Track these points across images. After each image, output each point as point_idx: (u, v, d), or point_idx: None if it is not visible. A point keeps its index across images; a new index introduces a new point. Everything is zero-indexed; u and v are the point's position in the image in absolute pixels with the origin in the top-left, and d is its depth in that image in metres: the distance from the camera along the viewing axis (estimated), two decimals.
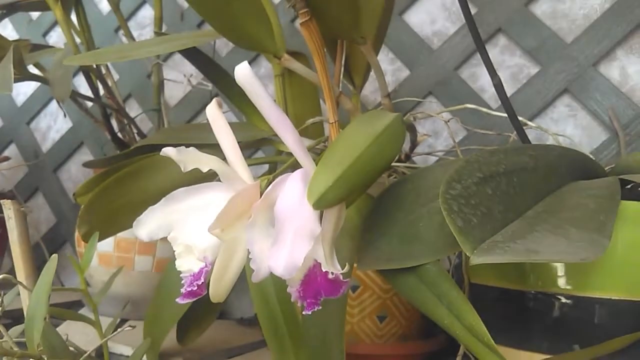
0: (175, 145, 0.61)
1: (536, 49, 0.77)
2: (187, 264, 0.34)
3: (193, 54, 0.58)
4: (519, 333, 0.46)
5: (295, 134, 0.35)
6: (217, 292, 0.36)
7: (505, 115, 0.58)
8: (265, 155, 0.87)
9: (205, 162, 0.34)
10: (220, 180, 0.38)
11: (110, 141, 0.78)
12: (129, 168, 0.55)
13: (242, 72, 0.34)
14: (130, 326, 0.42)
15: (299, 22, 0.54)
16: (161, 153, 0.34)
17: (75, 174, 1.08)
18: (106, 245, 0.72)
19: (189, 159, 0.34)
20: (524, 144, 0.51)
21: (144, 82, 1.00)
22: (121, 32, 1.04)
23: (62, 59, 0.61)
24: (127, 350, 0.59)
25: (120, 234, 0.73)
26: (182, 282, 0.35)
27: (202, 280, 0.33)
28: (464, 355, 0.50)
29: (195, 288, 0.33)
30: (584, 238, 0.36)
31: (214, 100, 0.40)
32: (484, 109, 0.57)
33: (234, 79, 0.65)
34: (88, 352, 0.36)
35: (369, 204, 0.44)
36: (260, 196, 0.34)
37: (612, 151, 0.71)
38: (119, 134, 0.77)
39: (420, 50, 0.84)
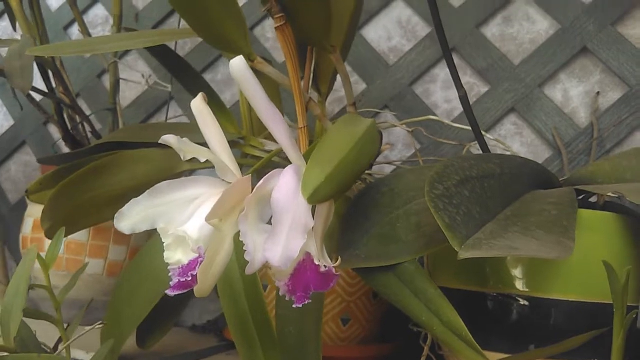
0: (137, 143, 0.60)
1: (486, 70, 0.81)
2: (177, 256, 0.34)
3: (161, 52, 0.58)
4: (481, 334, 0.48)
5: (287, 130, 0.36)
6: (203, 286, 0.35)
7: (462, 127, 0.61)
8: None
9: (203, 153, 0.34)
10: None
11: (60, 140, 0.76)
12: (93, 164, 0.54)
13: (238, 66, 0.35)
14: (98, 326, 0.41)
15: (274, 26, 0.55)
16: (160, 140, 0.34)
17: (15, 174, 1.03)
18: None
19: (189, 149, 0.34)
20: (487, 153, 0.54)
21: (93, 82, 0.98)
22: (70, 30, 1.01)
23: (22, 50, 0.59)
24: (82, 355, 0.57)
25: (71, 236, 0.71)
26: (170, 274, 0.34)
27: (196, 271, 0.33)
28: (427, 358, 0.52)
29: (189, 279, 0.33)
30: (552, 240, 0.38)
31: (200, 94, 0.40)
32: (446, 121, 0.61)
33: (200, 79, 0.65)
34: (61, 349, 0.35)
35: (346, 205, 0.45)
36: (252, 190, 0.35)
37: (556, 167, 0.75)
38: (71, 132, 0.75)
39: (377, 65, 0.86)
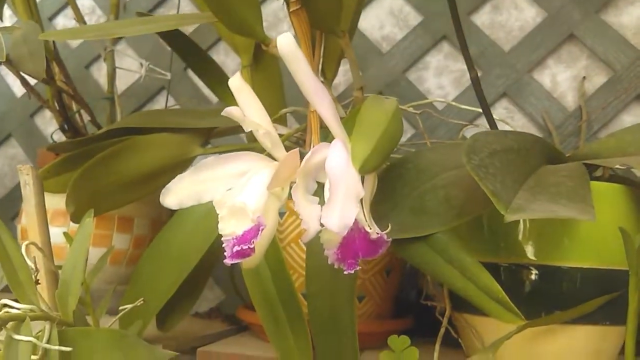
0: (150, 128, 0.60)
1: (477, 56, 0.84)
2: (231, 227, 0.35)
3: (174, 36, 0.58)
4: None
5: (332, 105, 0.37)
6: (255, 256, 0.36)
7: (470, 109, 0.63)
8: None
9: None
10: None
11: (57, 130, 0.75)
12: (111, 149, 0.54)
13: (286, 42, 0.36)
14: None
15: (290, 10, 0.56)
16: (223, 113, 0.35)
17: (0, 167, 1.01)
18: (58, 236, 0.69)
19: (248, 122, 0.35)
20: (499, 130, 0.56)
21: (82, 73, 0.96)
22: (55, 20, 0.99)
23: (27, 36, 0.58)
24: None
25: (73, 225, 0.70)
26: (224, 245, 0.35)
27: (253, 241, 0.34)
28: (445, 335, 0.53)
29: (248, 247, 0.33)
30: (576, 207, 0.41)
31: (237, 73, 0.40)
32: (453, 102, 0.62)
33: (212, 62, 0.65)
34: (113, 322, 0.35)
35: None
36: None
37: None
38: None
39: (370, 53, 0.88)
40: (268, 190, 0.33)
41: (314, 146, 0.53)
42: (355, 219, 0.35)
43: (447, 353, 0.52)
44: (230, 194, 0.35)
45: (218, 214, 0.35)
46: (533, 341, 0.47)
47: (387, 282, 0.59)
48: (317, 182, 0.37)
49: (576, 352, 0.48)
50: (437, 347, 0.48)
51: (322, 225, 0.34)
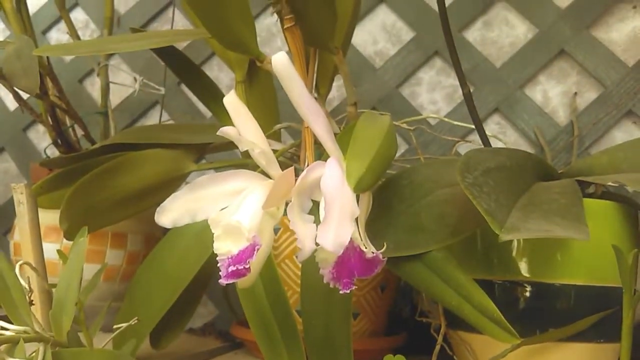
0: (145, 144, 0.60)
1: (469, 72, 0.85)
2: (226, 246, 0.35)
3: (167, 52, 0.58)
4: None
5: (326, 124, 0.37)
6: (248, 277, 0.36)
7: (464, 125, 0.63)
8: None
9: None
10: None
11: (50, 145, 0.75)
12: (105, 165, 0.54)
13: (280, 61, 0.36)
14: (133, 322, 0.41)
15: (284, 27, 0.56)
16: (219, 132, 0.35)
17: None
18: (51, 252, 0.68)
19: (244, 141, 0.35)
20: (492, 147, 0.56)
21: (74, 87, 0.96)
22: (49, 34, 0.99)
23: (20, 51, 0.58)
24: None
25: (66, 242, 0.70)
26: (219, 264, 0.35)
27: (248, 261, 0.34)
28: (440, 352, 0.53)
29: (243, 267, 0.33)
30: (570, 225, 0.41)
31: (232, 91, 0.41)
32: (446, 119, 0.63)
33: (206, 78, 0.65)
34: (107, 342, 0.35)
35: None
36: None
37: None
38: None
39: (363, 68, 0.89)
40: (263, 209, 0.33)
41: (308, 162, 0.53)
42: (351, 238, 0.35)
43: None
44: (225, 212, 0.35)
45: (213, 233, 0.35)
46: (527, 359, 0.47)
47: (381, 298, 0.59)
48: (313, 200, 0.37)
49: None
50: None
51: (317, 244, 0.34)
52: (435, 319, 0.54)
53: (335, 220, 0.33)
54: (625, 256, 0.44)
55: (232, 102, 0.40)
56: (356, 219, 0.35)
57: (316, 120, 0.37)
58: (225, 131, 0.35)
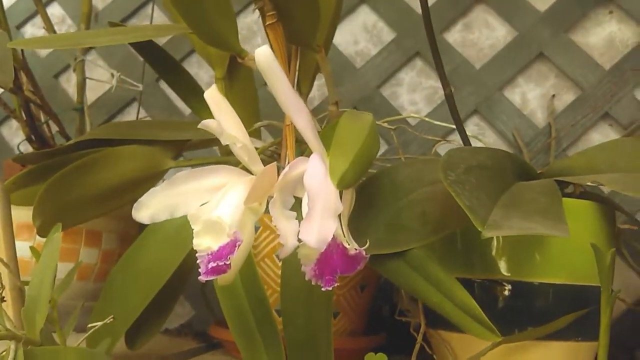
0: (121, 140, 0.59)
1: (449, 73, 0.85)
2: (206, 242, 0.34)
3: (147, 47, 0.57)
4: None
5: (309, 120, 0.37)
6: (228, 274, 0.35)
7: (445, 125, 0.64)
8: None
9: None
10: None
11: (24, 141, 0.73)
12: (81, 161, 0.52)
13: (264, 55, 0.35)
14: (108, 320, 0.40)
15: (265, 24, 0.56)
16: (200, 125, 0.34)
17: None
18: (24, 250, 0.66)
19: (226, 135, 0.34)
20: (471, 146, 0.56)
21: (50, 82, 0.94)
22: (23, 29, 0.97)
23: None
24: None
25: (39, 239, 0.68)
26: (199, 261, 0.34)
27: (229, 257, 0.33)
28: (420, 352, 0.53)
29: (224, 264, 0.33)
30: (550, 223, 0.41)
31: (213, 85, 0.40)
32: (427, 119, 0.63)
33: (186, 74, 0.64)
34: (81, 341, 0.34)
35: None
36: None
37: None
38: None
39: (344, 68, 0.88)
40: (245, 205, 0.32)
41: (289, 160, 0.52)
42: (334, 235, 0.35)
43: None
44: (205, 208, 0.35)
45: (192, 229, 0.34)
46: (506, 358, 0.47)
47: (361, 297, 0.59)
48: (295, 197, 0.37)
49: None
50: None
51: (299, 240, 0.33)
52: (415, 318, 0.54)
53: (318, 216, 0.33)
54: (603, 255, 0.44)
55: (213, 96, 0.39)
56: (339, 216, 0.35)
57: (299, 116, 0.37)
58: (207, 124, 0.34)
